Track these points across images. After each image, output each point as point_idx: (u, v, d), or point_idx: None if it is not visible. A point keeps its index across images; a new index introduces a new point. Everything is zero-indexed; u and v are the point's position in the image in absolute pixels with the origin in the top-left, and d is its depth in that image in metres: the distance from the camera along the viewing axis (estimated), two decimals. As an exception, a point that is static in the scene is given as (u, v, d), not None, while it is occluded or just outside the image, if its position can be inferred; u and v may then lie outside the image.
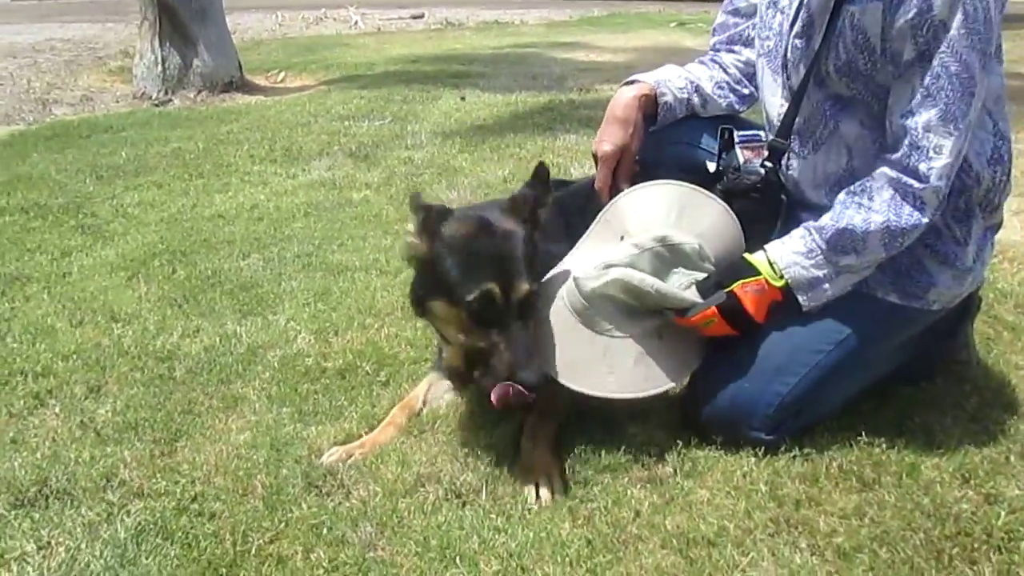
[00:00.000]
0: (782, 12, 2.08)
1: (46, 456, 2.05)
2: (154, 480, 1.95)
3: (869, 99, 1.95)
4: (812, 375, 1.98)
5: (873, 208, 1.88)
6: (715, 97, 2.33)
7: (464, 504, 1.84)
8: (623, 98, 2.23)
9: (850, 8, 1.87)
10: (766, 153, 2.13)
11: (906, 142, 1.84)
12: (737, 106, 2.38)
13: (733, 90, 2.36)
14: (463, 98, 6.49)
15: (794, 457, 1.97)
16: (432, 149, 4.97)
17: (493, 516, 1.79)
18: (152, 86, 7.34)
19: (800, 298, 1.95)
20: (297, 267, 3.21)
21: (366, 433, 2.10)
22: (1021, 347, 2.50)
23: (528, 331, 1.87)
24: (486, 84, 7.11)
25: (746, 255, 1.98)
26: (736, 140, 2.12)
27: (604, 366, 1.94)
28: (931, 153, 1.82)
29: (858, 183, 1.93)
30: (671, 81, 2.28)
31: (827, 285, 1.95)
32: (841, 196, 1.95)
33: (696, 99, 2.30)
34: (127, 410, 2.25)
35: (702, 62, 2.40)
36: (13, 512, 1.85)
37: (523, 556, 1.66)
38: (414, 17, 14.83)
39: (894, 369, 2.18)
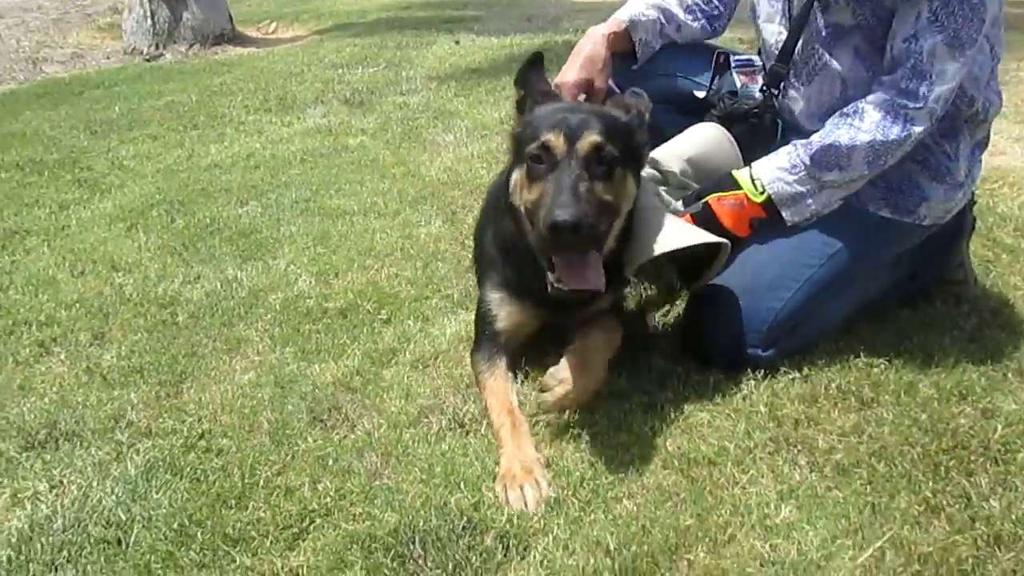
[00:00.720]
0: None
1: (54, 401, 2.08)
2: (161, 420, 1.98)
3: (874, 24, 1.92)
4: (805, 289, 1.99)
5: (861, 127, 1.89)
6: (687, 21, 2.32)
7: (467, 433, 1.87)
8: (590, 35, 2.21)
9: None
10: (760, 79, 2.11)
11: (908, 64, 1.83)
12: (710, 27, 2.36)
13: (703, 11, 2.34)
14: (457, 42, 6.39)
15: (793, 379, 1.99)
16: (427, 94, 4.91)
17: (496, 444, 1.81)
18: (142, 41, 7.23)
19: (784, 213, 1.97)
20: (295, 212, 3.20)
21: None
22: (1019, 269, 2.50)
23: (586, 182, 1.71)
24: (480, 28, 7.00)
25: (732, 171, 2.01)
26: (732, 64, 2.11)
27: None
28: (933, 77, 1.81)
29: (851, 104, 1.93)
30: (644, 14, 2.26)
31: (810, 200, 1.96)
32: (833, 117, 1.95)
33: (670, 27, 2.29)
34: (132, 355, 2.27)
35: None
36: (24, 454, 1.89)
37: (527, 480, 1.69)
38: (406, -36, 14.53)
39: (889, 287, 2.20)
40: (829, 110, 2.02)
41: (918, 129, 1.87)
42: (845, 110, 1.93)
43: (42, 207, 3.42)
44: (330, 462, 1.78)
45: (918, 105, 1.84)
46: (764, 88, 2.10)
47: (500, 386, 1.93)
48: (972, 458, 1.72)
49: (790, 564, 1.49)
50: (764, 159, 2.00)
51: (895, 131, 1.86)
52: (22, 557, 1.58)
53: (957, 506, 1.60)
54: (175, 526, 1.61)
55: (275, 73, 5.76)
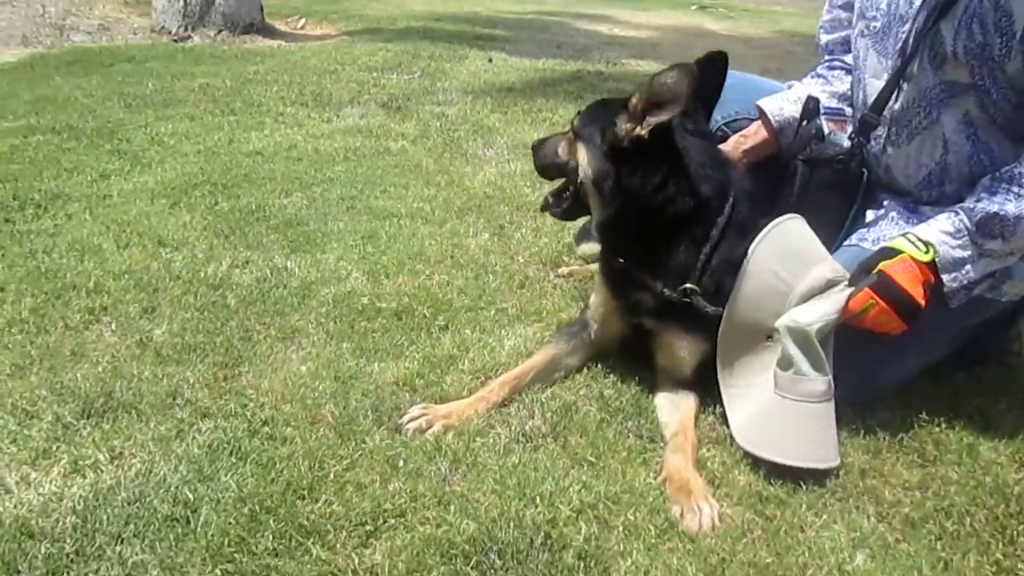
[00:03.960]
0: None
1: (107, 370, 2.05)
2: (221, 402, 1.95)
3: (989, 86, 1.91)
4: (875, 351, 1.99)
5: None
6: (842, 108, 2.29)
7: (536, 448, 1.85)
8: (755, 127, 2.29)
9: None
10: (849, 128, 2.13)
11: None
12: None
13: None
14: (490, 60, 6.43)
15: (856, 429, 1.99)
16: (464, 107, 4.92)
17: (566, 460, 1.80)
18: (172, 21, 7.20)
19: (944, 277, 1.91)
20: (341, 209, 3.18)
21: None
22: (1066, 343, 2.53)
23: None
24: (511, 48, 7.05)
25: (885, 243, 1.94)
26: (822, 111, 2.12)
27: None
28: None
29: (1004, 169, 1.90)
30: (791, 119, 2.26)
31: (969, 267, 1.91)
32: (985, 181, 1.92)
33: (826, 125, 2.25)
34: (184, 332, 2.24)
35: (819, 75, 2.35)
36: (82, 422, 1.85)
37: (600, 502, 1.67)
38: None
39: (950, 354, 2.20)
40: (926, 175, 2.03)
41: None
42: (998, 175, 1.90)
43: (82, 174, 3.38)
44: (400, 463, 1.75)
45: None
46: (852, 136, 2.11)
47: (535, 358, 2.12)
48: (1038, 527, 1.73)
49: (868, 613, 1.48)
50: (921, 226, 1.94)
51: None
52: (88, 526, 1.54)
53: (1028, 572, 1.61)
54: (246, 511, 1.58)
55: (309, 69, 5.76)
